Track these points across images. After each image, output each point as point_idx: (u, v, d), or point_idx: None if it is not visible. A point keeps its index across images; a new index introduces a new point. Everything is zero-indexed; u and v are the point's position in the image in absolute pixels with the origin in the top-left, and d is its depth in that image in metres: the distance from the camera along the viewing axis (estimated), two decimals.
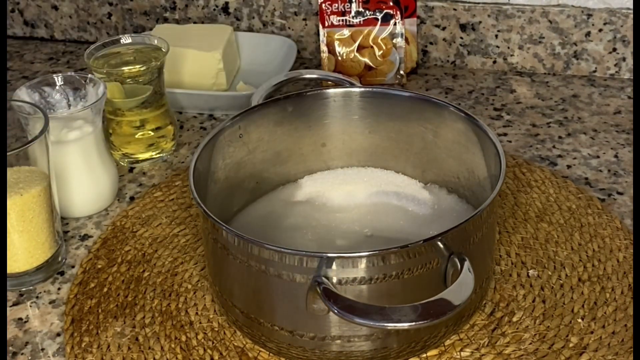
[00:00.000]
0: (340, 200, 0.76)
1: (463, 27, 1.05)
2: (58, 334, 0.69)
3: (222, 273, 0.64)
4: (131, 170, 0.90)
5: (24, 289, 0.74)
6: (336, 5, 1.02)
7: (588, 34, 1.01)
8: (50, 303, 0.72)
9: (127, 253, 0.77)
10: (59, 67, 1.14)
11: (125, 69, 0.86)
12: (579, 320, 0.67)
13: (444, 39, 1.06)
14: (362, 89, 0.77)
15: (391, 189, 0.76)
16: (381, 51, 1.02)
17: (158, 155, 0.91)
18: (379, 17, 1.02)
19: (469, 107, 0.98)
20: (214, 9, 1.12)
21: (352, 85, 0.79)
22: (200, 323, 0.68)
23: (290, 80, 0.82)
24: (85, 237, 0.80)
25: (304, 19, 1.09)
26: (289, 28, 1.10)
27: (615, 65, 1.02)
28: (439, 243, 0.58)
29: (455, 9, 1.04)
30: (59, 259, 0.76)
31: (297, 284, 0.58)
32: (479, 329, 0.66)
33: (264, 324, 0.62)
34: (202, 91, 0.99)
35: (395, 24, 1.02)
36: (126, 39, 0.90)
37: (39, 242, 0.73)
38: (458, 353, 0.64)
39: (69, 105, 0.82)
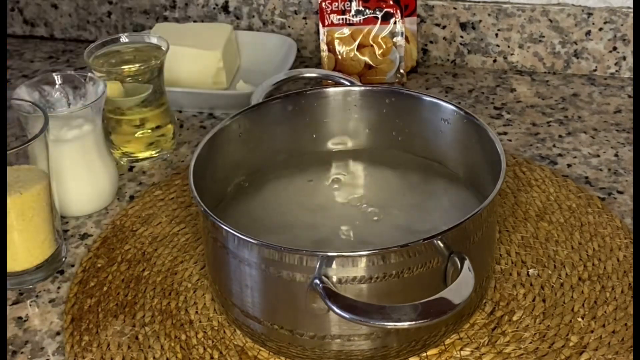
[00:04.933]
0: (340, 200, 0.76)
1: (463, 26, 1.05)
2: (58, 333, 0.69)
3: (221, 272, 0.64)
4: (131, 169, 0.90)
5: (23, 288, 0.74)
6: (336, 4, 1.01)
7: (588, 32, 1.01)
8: (50, 302, 0.72)
9: (127, 252, 0.77)
10: (58, 65, 1.14)
11: (125, 67, 0.86)
12: (579, 319, 0.67)
13: (444, 38, 1.06)
14: (362, 88, 0.77)
15: (391, 188, 0.76)
16: (381, 50, 1.02)
17: (158, 154, 0.91)
18: (379, 16, 1.02)
19: (469, 106, 0.98)
20: (214, 8, 1.12)
21: (352, 84, 0.79)
22: (200, 322, 0.68)
23: (290, 79, 0.82)
24: (85, 236, 0.80)
25: (304, 18, 1.09)
26: (289, 27, 1.10)
27: (616, 64, 1.02)
28: (439, 242, 0.58)
29: (455, 8, 1.04)
30: (59, 257, 0.76)
31: (297, 283, 0.58)
32: (479, 328, 0.66)
33: (264, 323, 0.62)
34: (202, 90, 0.99)
35: (395, 22, 1.02)
36: (126, 38, 0.90)
37: (38, 241, 0.73)
38: (458, 352, 0.64)
39: (69, 104, 0.82)
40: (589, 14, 1.00)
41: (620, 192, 0.82)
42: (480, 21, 1.04)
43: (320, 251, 0.57)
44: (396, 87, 0.98)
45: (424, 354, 0.64)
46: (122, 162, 0.90)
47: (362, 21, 1.02)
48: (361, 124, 0.77)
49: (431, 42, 1.07)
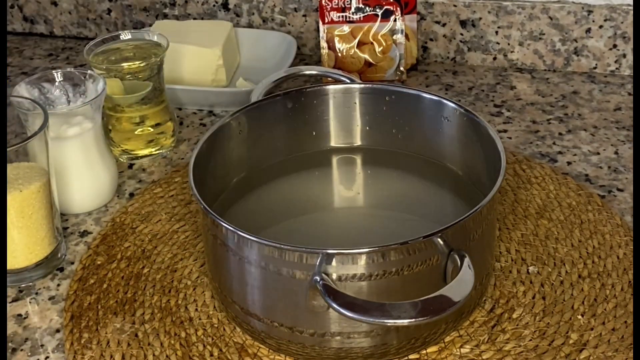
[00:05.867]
0: (339, 197, 0.76)
1: (463, 24, 1.05)
2: (57, 330, 0.69)
3: (221, 269, 0.64)
4: (131, 166, 0.90)
5: (23, 285, 0.74)
6: (336, 1, 1.01)
7: (588, 30, 1.01)
8: (49, 299, 0.72)
9: (126, 249, 0.77)
10: (58, 63, 1.14)
11: (125, 65, 0.86)
12: (579, 316, 0.67)
13: (444, 36, 1.06)
14: (362, 86, 0.77)
15: (390, 186, 0.76)
16: (381, 47, 1.02)
17: (157, 152, 0.91)
18: (379, 14, 1.01)
19: (469, 104, 0.98)
20: (214, 5, 1.12)
21: (352, 81, 0.79)
22: (199, 319, 0.68)
23: (290, 77, 0.82)
24: (84, 234, 0.80)
25: (304, 15, 1.09)
26: (288, 24, 1.10)
27: (616, 61, 1.02)
28: (439, 239, 0.58)
29: (455, 5, 1.04)
30: (59, 255, 0.76)
31: (296, 281, 0.58)
32: (478, 326, 0.66)
33: (264, 320, 0.62)
34: (201, 87, 0.99)
35: (395, 20, 1.02)
36: (126, 35, 0.90)
37: (38, 238, 0.73)
38: (458, 349, 0.64)
39: (69, 102, 0.82)
40: (589, 12, 1.00)
41: (620, 190, 0.82)
42: (480, 19, 1.04)
43: (320, 249, 0.57)
44: (396, 85, 0.98)
45: (424, 352, 0.64)
46: (121, 160, 0.90)
47: (362, 19, 1.02)
48: (361, 122, 0.77)
49: (431, 39, 1.07)
